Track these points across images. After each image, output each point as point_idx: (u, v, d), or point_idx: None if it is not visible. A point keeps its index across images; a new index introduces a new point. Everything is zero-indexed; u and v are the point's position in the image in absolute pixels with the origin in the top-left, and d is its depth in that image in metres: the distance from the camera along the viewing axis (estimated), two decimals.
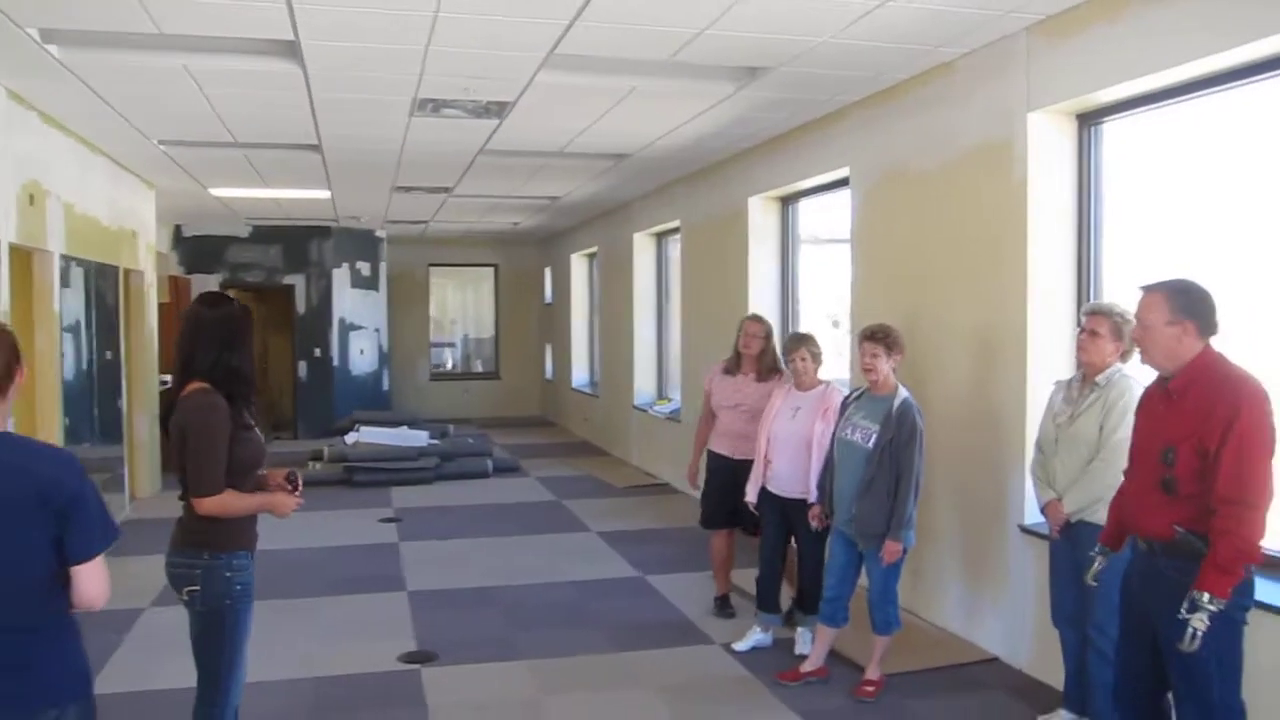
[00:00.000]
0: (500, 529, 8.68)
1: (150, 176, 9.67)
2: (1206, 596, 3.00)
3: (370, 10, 4.67)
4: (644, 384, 12.08)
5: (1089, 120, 4.96)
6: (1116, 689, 3.48)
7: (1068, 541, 4.22)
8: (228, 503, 3.22)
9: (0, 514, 2.29)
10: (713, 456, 6.08)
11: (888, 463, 4.67)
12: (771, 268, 8.52)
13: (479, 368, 18.50)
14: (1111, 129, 4.95)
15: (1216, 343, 3.25)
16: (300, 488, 3.44)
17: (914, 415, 4.72)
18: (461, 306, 19.10)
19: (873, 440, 4.74)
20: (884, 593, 4.81)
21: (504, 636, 5.77)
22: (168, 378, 10.96)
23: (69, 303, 7.48)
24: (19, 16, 4.76)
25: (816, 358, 5.41)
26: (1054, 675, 4.68)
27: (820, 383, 5.45)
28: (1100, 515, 3.99)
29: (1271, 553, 3.77)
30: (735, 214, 8.70)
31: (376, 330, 15.54)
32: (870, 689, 4.81)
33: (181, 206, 11.77)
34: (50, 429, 6.91)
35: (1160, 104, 4.55)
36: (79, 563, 2.37)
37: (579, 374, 15.37)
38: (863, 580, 4.98)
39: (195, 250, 14.18)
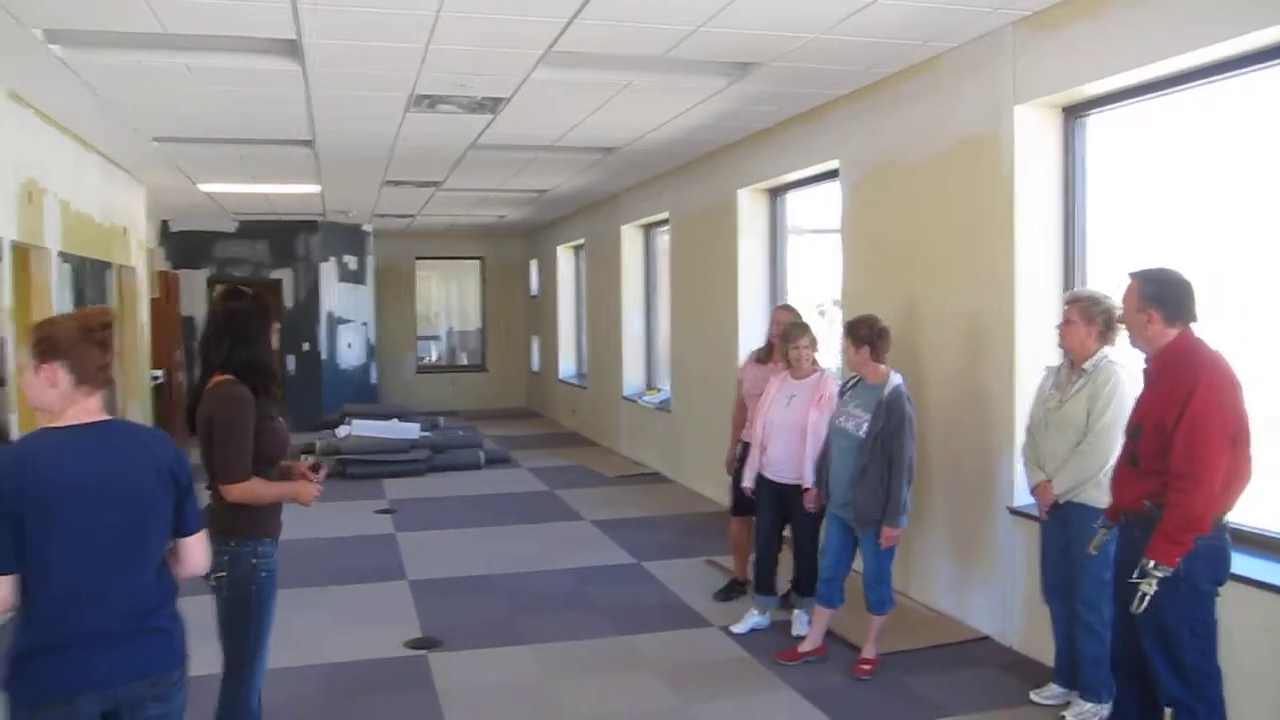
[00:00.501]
0: (495, 519, 8.79)
1: (141, 173, 9.70)
2: (1153, 564, 3.24)
3: (372, 10, 4.75)
4: (633, 374, 12.21)
5: (1074, 113, 5.12)
6: (1113, 657, 3.65)
7: (1057, 521, 4.39)
8: (255, 490, 3.33)
9: (140, 492, 2.48)
10: (745, 446, 6.06)
11: (879, 451, 4.82)
12: (760, 258, 8.65)
13: (464, 360, 18.58)
14: (1095, 122, 5.10)
15: (1204, 328, 3.42)
16: (324, 476, 3.55)
17: (903, 403, 4.87)
18: (446, 299, 19.16)
19: (864, 429, 4.88)
20: (878, 574, 4.96)
21: (506, 622, 5.89)
22: (159, 373, 11.09)
23: (66, 299, 7.52)
24: (26, 17, 4.82)
25: (814, 346, 5.55)
26: (1044, 652, 4.85)
27: (815, 371, 5.59)
28: (1088, 496, 4.21)
29: (1245, 528, 3.95)
30: (724, 205, 8.83)
31: (364, 324, 15.60)
32: (867, 667, 4.96)
33: (169, 202, 11.80)
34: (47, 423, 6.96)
35: (1142, 98, 4.70)
36: (192, 533, 2.62)
37: (566, 365, 15.48)
38: (856, 564, 5.13)
39: (182, 246, 14.18)
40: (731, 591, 6.27)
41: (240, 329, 3.48)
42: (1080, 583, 4.28)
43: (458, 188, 11.08)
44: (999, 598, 5.37)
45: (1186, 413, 3.24)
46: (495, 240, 17.55)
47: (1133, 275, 3.54)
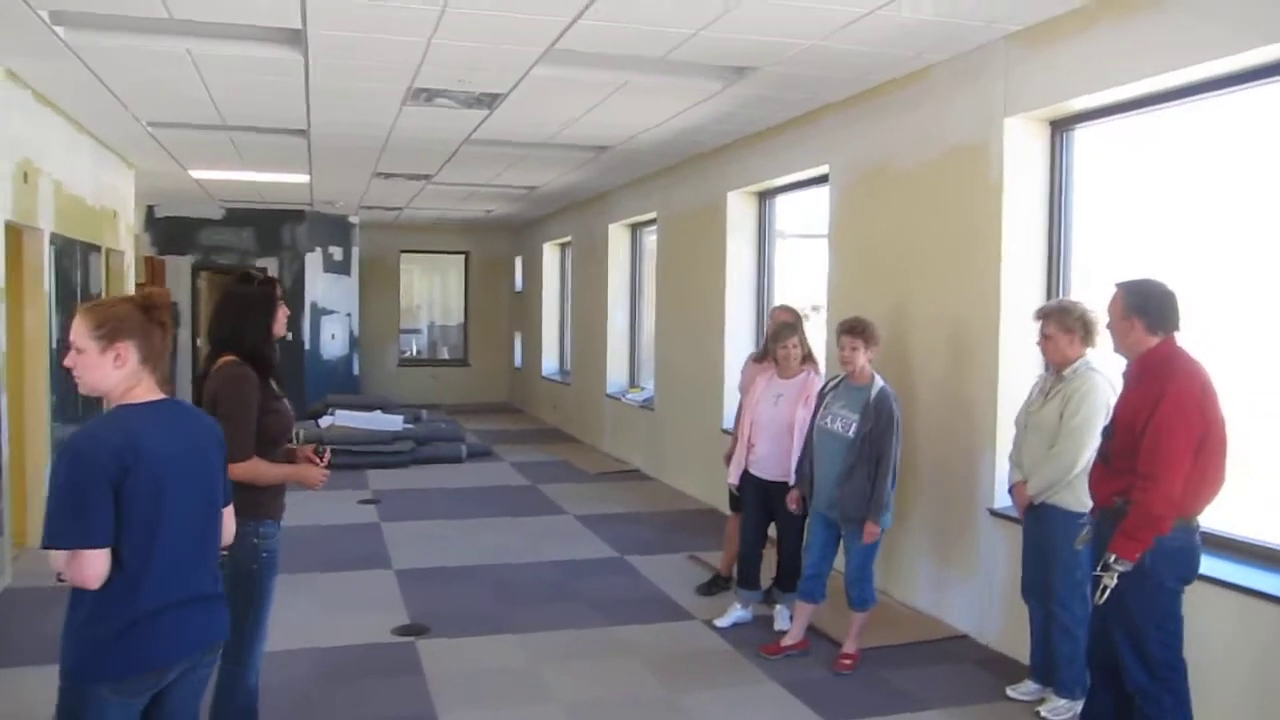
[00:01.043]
0: (478, 511, 8.86)
1: (132, 157, 9.69)
2: (1114, 558, 3.41)
3: (379, 2, 4.81)
4: (616, 372, 12.29)
5: (1061, 126, 5.25)
6: (1088, 653, 3.79)
7: (1032, 522, 4.53)
8: (258, 469, 3.39)
9: (209, 462, 2.64)
10: None
11: (868, 451, 4.92)
12: (748, 261, 8.76)
13: (445, 354, 18.61)
14: (1082, 135, 5.24)
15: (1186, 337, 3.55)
16: (327, 461, 3.62)
17: (891, 404, 4.98)
18: (428, 293, 19.18)
19: (853, 429, 4.98)
20: (862, 571, 5.06)
21: (492, 612, 5.97)
22: None
23: (61, 280, 7.52)
24: None
25: (802, 346, 5.67)
26: (1020, 650, 4.98)
27: (802, 370, 5.70)
28: (1059, 498, 4.37)
29: (1212, 532, 4.10)
30: (713, 207, 8.93)
31: (348, 315, 15.61)
32: (848, 662, 5.07)
33: (157, 187, 11.76)
34: (38, 407, 6.98)
35: (1128, 113, 4.84)
36: (228, 505, 2.76)
37: (549, 362, 15.54)
38: (838, 562, 5.24)
39: (167, 231, 14.15)
40: (714, 586, 6.37)
41: (240, 312, 3.55)
42: (1054, 583, 4.42)
43: (448, 182, 11.13)
44: (977, 597, 5.50)
45: (1154, 416, 3.39)
46: (481, 235, 17.60)
47: (1118, 286, 3.68)
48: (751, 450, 5.73)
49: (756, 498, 5.77)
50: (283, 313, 3.63)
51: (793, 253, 8.75)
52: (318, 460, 3.61)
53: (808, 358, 5.81)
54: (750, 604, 5.80)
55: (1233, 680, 3.98)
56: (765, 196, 8.62)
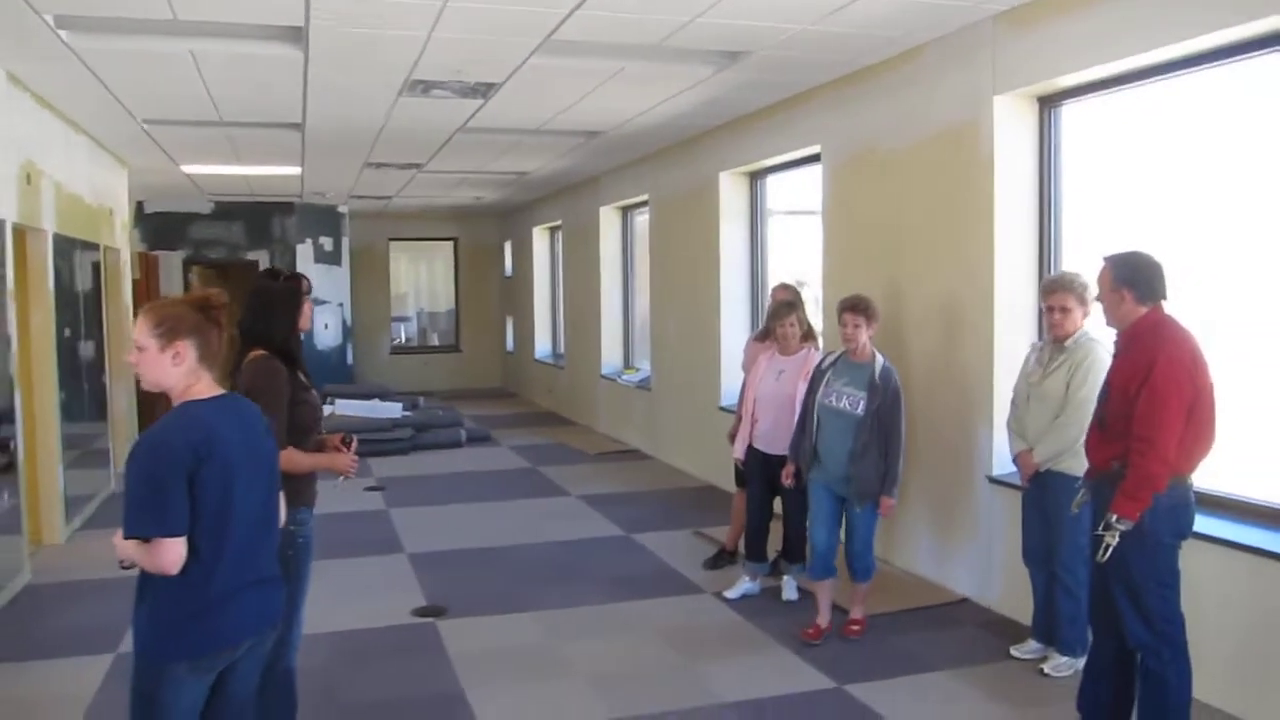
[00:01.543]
0: (482, 494, 9.01)
1: (127, 155, 9.73)
2: (1115, 517, 3.56)
3: None
4: (611, 354, 12.42)
5: (1049, 103, 5.39)
6: (1090, 609, 3.95)
7: (1037, 488, 4.69)
8: (293, 458, 3.51)
9: (268, 451, 2.79)
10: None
11: (879, 427, 5.04)
12: (741, 240, 8.89)
13: (434, 341, 18.70)
14: (1070, 111, 5.38)
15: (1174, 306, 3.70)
16: (355, 449, 3.74)
17: (896, 380, 5.11)
18: (416, 280, 19.24)
19: (861, 406, 5.06)
20: (867, 543, 5.20)
21: (506, 591, 6.12)
22: None
23: (63, 281, 7.58)
24: (39, 3, 4.91)
25: (800, 324, 5.81)
26: (1021, 611, 5.16)
27: (803, 347, 5.84)
28: (1065, 465, 4.51)
29: (1208, 492, 4.27)
30: (705, 188, 9.04)
31: (340, 305, 15.68)
32: (856, 627, 5.24)
33: (147, 183, 11.79)
34: (47, 406, 7.06)
35: (1115, 89, 4.99)
36: (280, 490, 2.91)
37: (541, 346, 15.66)
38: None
39: (157, 227, 14.16)
40: (719, 560, 6.54)
41: (268, 306, 3.66)
42: (1058, 547, 4.59)
43: (439, 170, 11.20)
44: (978, 562, 5.68)
45: (1148, 381, 3.53)
46: (469, 221, 17.66)
47: (1106, 259, 3.81)
48: (755, 425, 5.88)
49: (761, 472, 5.93)
50: (308, 307, 3.74)
51: (780, 229, 8.87)
52: (345, 448, 3.72)
53: (808, 335, 5.92)
54: (758, 576, 5.96)
55: (1227, 630, 4.17)
56: (757, 176, 8.74)
